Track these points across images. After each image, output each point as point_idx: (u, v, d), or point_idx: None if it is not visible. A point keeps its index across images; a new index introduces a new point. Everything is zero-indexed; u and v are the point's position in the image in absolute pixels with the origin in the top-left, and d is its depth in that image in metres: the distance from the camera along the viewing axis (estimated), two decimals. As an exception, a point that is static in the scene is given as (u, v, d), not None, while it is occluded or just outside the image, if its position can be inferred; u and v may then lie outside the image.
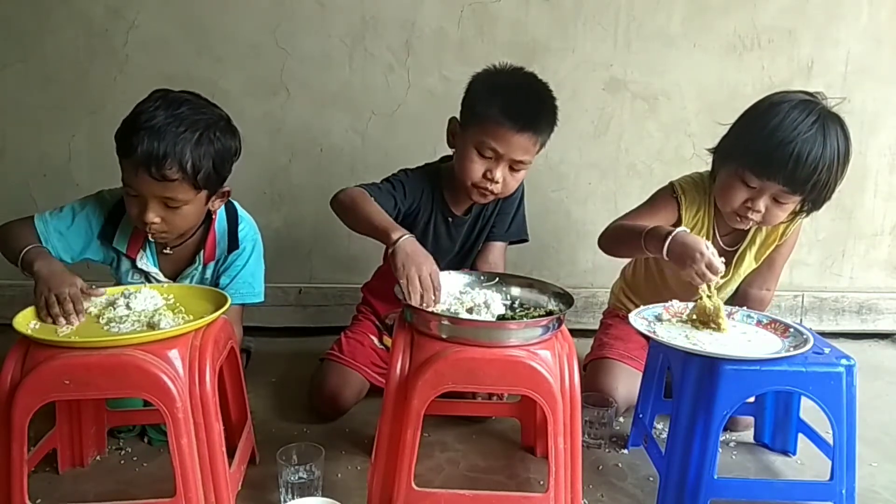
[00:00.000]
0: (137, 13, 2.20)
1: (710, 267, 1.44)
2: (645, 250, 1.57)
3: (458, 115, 1.76)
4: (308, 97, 2.30)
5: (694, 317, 1.50)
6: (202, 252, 1.67)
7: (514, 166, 1.70)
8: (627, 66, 2.33)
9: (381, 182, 1.78)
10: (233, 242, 1.69)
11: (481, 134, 1.66)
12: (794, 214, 1.68)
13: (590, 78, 2.33)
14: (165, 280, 1.67)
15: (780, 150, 1.52)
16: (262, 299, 1.75)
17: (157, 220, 1.51)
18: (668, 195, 1.76)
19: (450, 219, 1.86)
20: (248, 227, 1.73)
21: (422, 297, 1.35)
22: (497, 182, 1.69)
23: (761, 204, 1.60)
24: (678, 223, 1.74)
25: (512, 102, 1.65)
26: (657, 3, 2.29)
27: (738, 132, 1.65)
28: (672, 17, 2.30)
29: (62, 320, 1.29)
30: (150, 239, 1.61)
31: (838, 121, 1.56)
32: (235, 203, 1.74)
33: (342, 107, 2.31)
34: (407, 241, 1.42)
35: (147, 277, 1.65)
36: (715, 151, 1.70)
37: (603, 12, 2.28)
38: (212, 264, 1.69)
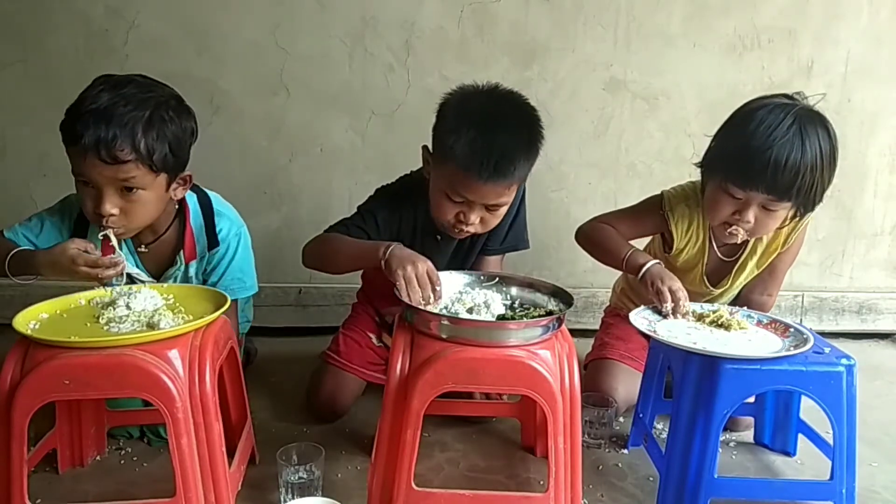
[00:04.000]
0: (137, 13, 2.20)
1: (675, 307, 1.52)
2: (624, 271, 1.64)
3: (429, 144, 1.65)
4: (308, 97, 2.30)
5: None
6: (182, 252, 1.62)
7: (490, 209, 1.56)
8: (627, 65, 2.33)
9: (353, 216, 1.70)
10: (212, 239, 1.63)
11: (449, 178, 1.52)
12: (792, 219, 1.65)
13: (590, 78, 2.33)
14: (150, 279, 1.62)
15: (758, 158, 1.47)
16: (254, 290, 1.72)
17: (114, 211, 1.42)
18: (656, 210, 1.74)
19: (438, 236, 1.73)
20: (227, 222, 1.65)
21: (422, 294, 1.35)
22: (472, 224, 1.56)
23: (750, 214, 1.55)
24: (668, 236, 1.76)
25: (478, 148, 1.46)
26: (657, 3, 2.29)
27: (718, 144, 1.62)
28: (672, 16, 2.30)
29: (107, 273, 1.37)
30: (100, 232, 1.50)
31: (819, 120, 1.51)
32: (212, 194, 1.67)
33: (342, 107, 2.31)
34: (396, 247, 1.42)
35: (131, 279, 1.60)
36: (701, 165, 1.67)
37: (603, 12, 2.28)
38: (194, 263, 1.65)
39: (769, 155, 1.47)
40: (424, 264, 1.38)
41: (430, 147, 1.63)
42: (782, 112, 1.49)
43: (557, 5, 2.27)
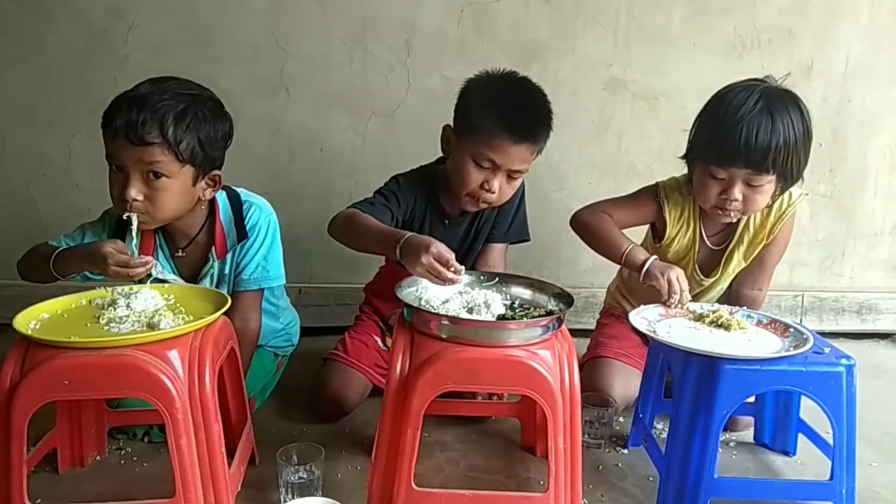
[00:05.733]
0: (137, 13, 2.20)
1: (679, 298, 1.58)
2: (621, 265, 1.72)
3: (451, 123, 1.74)
4: (308, 97, 2.30)
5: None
6: (214, 248, 1.64)
7: (511, 175, 1.70)
8: (627, 65, 2.33)
9: (375, 195, 1.77)
10: (241, 231, 1.65)
11: (478, 145, 1.65)
12: (780, 193, 1.70)
13: (590, 78, 2.33)
14: (185, 285, 1.64)
15: (731, 136, 1.56)
16: (281, 282, 1.74)
17: (139, 196, 1.47)
18: (651, 197, 1.80)
19: (445, 221, 1.85)
20: (257, 211, 1.69)
21: (445, 274, 1.34)
22: (493, 192, 1.69)
23: (736, 192, 1.62)
24: (660, 224, 1.80)
25: (508, 113, 1.63)
26: (657, 2, 2.29)
27: (695, 132, 1.72)
28: (672, 16, 2.30)
29: (137, 272, 1.40)
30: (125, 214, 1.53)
31: (787, 96, 1.59)
32: (240, 190, 1.71)
33: (342, 107, 2.31)
34: (407, 238, 1.42)
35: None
36: (685, 157, 1.74)
37: (603, 12, 2.28)
38: (228, 258, 1.66)
39: (739, 131, 1.56)
40: (436, 246, 1.36)
41: (452, 126, 1.74)
42: (749, 91, 1.59)
43: (557, 5, 2.27)
